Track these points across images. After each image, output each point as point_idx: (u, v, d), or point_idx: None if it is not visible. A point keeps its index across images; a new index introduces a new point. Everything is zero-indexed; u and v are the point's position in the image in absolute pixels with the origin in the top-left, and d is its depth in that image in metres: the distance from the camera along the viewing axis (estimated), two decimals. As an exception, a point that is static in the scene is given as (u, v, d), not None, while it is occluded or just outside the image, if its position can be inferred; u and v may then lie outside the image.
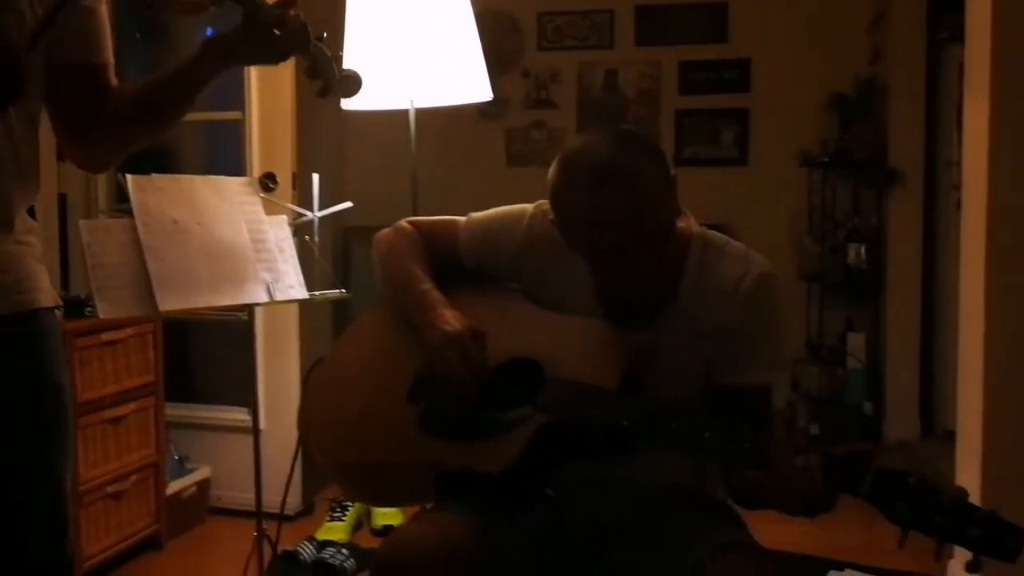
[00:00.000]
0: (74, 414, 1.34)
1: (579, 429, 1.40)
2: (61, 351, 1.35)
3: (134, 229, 2.27)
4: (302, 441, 1.66)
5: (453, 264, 1.67)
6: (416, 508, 1.75)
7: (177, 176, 2.45)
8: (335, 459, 1.63)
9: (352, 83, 1.45)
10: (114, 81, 1.39)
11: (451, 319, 1.52)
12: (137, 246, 2.25)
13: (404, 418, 1.53)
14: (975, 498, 2.65)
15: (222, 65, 1.35)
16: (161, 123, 1.43)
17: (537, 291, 1.60)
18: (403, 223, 1.75)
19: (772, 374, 1.51)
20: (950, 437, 3.56)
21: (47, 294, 1.33)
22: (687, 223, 1.55)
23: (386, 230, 1.75)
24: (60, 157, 2.78)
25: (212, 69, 1.34)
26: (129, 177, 2.32)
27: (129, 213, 2.31)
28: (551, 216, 1.51)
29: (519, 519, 1.45)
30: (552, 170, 1.47)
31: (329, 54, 1.41)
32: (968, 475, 2.70)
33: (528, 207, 1.63)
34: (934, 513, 1.14)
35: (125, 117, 1.38)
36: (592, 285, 1.53)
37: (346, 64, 2.94)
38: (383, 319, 1.72)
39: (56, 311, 1.35)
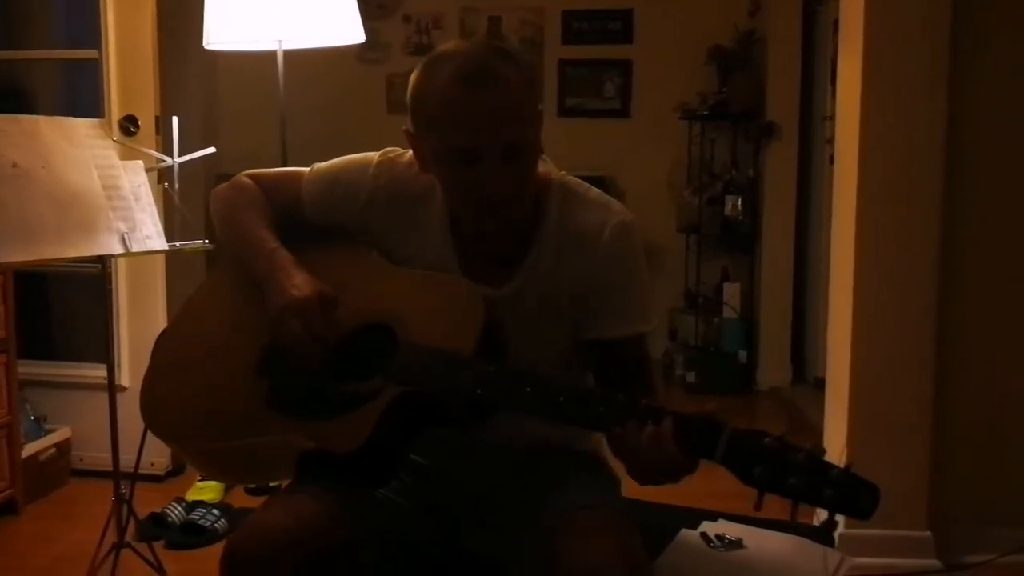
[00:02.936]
0: None
1: (433, 398, 1.34)
2: None
3: (-31, 173, 2.09)
4: (147, 426, 1.51)
5: (297, 219, 1.56)
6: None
7: (17, 116, 2.26)
8: (181, 446, 1.51)
9: None
10: None
11: (300, 283, 1.41)
12: (-27, 192, 2.07)
13: (252, 395, 1.42)
14: (843, 440, 2.69)
15: None
16: None
17: (387, 244, 1.50)
18: (242, 177, 1.60)
19: (643, 324, 1.47)
20: (820, 384, 3.69)
21: None
22: (546, 168, 1.48)
23: (223, 186, 1.61)
24: None
25: None
26: (-38, 117, 2.14)
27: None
28: (406, 143, 1.42)
29: (379, 496, 1.37)
30: (415, 74, 1.37)
31: None
32: (836, 420, 2.79)
33: (374, 155, 1.53)
34: (789, 475, 1.11)
35: None
36: (446, 236, 1.46)
37: (209, 4, 2.75)
38: (232, 280, 1.57)
39: None
